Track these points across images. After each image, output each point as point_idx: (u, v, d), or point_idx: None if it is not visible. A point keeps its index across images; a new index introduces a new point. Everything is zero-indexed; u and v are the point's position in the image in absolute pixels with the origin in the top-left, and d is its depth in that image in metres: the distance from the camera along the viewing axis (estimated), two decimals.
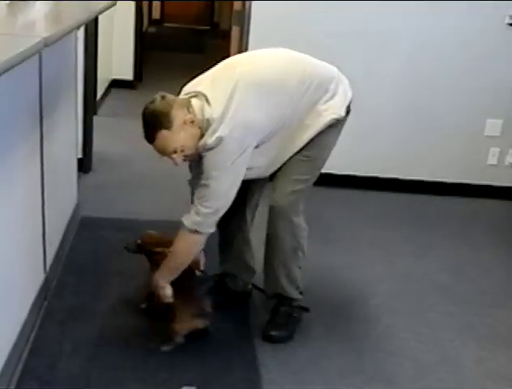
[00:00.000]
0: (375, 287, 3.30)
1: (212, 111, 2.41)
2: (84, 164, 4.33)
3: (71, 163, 3.52)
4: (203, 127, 2.42)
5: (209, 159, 2.42)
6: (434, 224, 4.20)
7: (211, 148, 2.40)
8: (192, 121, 2.42)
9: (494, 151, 4.60)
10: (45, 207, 2.76)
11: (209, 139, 2.39)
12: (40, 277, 2.79)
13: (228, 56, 2.96)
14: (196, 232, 2.47)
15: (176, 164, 2.48)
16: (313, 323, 2.91)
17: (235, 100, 2.40)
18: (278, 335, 2.75)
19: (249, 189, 2.73)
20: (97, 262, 3.26)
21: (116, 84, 6.70)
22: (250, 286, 2.99)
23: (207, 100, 2.44)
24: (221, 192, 2.46)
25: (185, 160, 2.52)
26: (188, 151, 2.45)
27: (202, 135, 2.43)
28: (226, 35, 6.55)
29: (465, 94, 4.43)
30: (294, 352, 2.70)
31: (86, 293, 2.97)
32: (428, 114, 4.49)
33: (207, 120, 2.42)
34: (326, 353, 2.73)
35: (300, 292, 2.81)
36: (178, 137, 2.41)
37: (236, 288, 2.95)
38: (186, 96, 2.51)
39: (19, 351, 2.43)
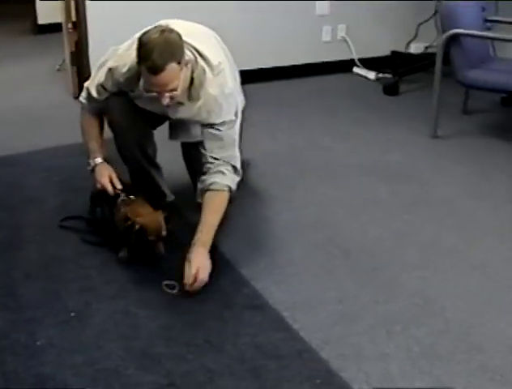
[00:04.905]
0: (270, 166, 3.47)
1: (208, 61, 2.41)
2: None
3: None
4: (194, 73, 2.39)
5: (213, 106, 2.42)
6: (302, 103, 4.43)
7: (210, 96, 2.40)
8: (188, 64, 2.34)
9: (327, 28, 4.89)
10: None
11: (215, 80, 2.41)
12: None
13: None
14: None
15: (163, 102, 2.32)
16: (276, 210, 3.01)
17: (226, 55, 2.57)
18: None
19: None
20: None
21: None
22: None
23: (196, 50, 2.40)
24: (237, 138, 2.53)
25: (168, 106, 2.39)
26: (179, 92, 2.33)
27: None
28: None
29: None
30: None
31: (4, 226, 2.79)
32: (263, 5, 4.62)
33: (202, 68, 2.40)
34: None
35: None
36: (180, 74, 2.29)
37: None
38: None
39: None
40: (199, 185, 2.51)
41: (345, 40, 4.95)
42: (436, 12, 4.84)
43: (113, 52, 2.54)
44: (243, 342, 2.07)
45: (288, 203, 2.99)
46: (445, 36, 3.64)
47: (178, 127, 2.70)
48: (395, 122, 4.03)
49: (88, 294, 2.32)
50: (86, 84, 2.63)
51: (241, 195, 2.98)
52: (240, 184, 2.99)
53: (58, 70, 5.03)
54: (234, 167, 2.51)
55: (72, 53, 4.31)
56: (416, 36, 4.98)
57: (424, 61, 4.79)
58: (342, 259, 2.55)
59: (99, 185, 2.59)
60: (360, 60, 4.99)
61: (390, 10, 4.94)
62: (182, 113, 2.51)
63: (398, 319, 2.19)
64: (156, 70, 2.22)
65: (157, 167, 2.79)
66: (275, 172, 3.33)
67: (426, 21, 4.89)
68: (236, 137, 2.55)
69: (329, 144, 3.70)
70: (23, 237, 2.70)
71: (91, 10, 4.14)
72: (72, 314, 2.20)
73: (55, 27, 5.85)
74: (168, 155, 2.86)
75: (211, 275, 2.31)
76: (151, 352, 2.03)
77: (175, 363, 1.98)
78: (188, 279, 2.26)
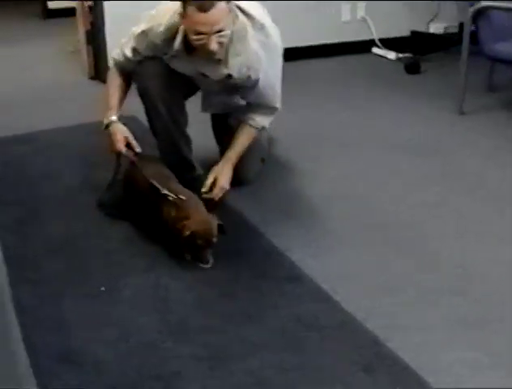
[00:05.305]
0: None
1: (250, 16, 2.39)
2: None
3: None
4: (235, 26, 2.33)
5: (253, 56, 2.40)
6: (324, 82, 4.32)
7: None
8: (231, 11, 2.29)
9: (346, 7, 4.79)
10: None
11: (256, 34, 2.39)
12: None
13: None
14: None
15: (212, 47, 2.24)
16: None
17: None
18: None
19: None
20: (12, 174, 2.97)
21: None
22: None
23: (238, 7, 2.36)
24: (279, 87, 2.58)
25: (212, 54, 2.30)
26: (225, 39, 2.27)
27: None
28: None
29: None
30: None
31: (24, 202, 2.69)
32: None
33: (243, 23, 2.36)
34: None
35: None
36: (227, 17, 2.25)
37: None
38: None
39: None
40: (241, 114, 2.61)
41: (365, 20, 4.84)
42: None
43: (144, 17, 2.47)
44: (283, 313, 1.97)
45: (317, 177, 2.91)
46: (473, 8, 3.54)
47: (211, 98, 2.63)
48: (419, 99, 3.93)
49: (116, 268, 2.24)
50: (121, 43, 2.56)
51: (269, 169, 2.94)
52: (267, 158, 2.94)
53: (72, 51, 4.93)
54: (273, 113, 2.64)
55: (87, 32, 4.21)
56: (436, 14, 4.86)
57: (444, 41, 4.70)
58: (378, 231, 2.45)
59: (112, 149, 2.48)
60: (379, 40, 4.88)
61: None
62: (221, 70, 2.41)
63: (442, 289, 2.10)
64: (206, 6, 2.16)
65: (187, 138, 2.68)
66: (301, 147, 3.24)
67: None
68: (279, 89, 2.60)
69: (353, 120, 3.61)
70: (43, 213, 2.61)
71: None
72: (102, 289, 2.11)
73: (64, 12, 5.83)
74: (195, 128, 2.76)
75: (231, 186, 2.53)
76: (187, 325, 1.94)
77: (213, 335, 1.89)
78: (205, 186, 2.47)
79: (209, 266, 2.19)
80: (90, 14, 4.21)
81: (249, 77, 2.42)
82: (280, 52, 2.52)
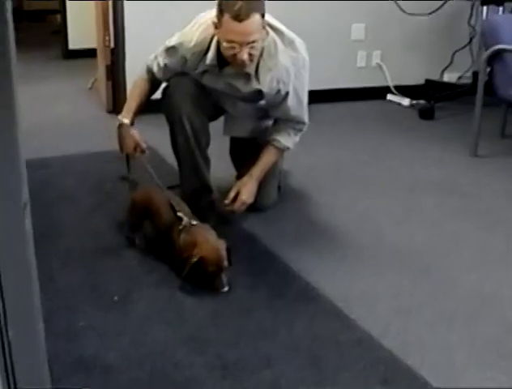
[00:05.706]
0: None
1: (280, 33, 2.45)
2: None
3: None
4: (264, 42, 2.38)
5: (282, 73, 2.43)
6: (339, 125, 4.36)
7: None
8: (264, 27, 2.34)
9: (362, 54, 4.86)
10: None
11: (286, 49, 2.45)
12: None
13: None
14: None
15: (244, 59, 2.29)
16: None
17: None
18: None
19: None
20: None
21: None
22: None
23: (269, 24, 2.40)
24: (306, 101, 2.60)
25: (242, 65, 2.34)
26: (256, 51, 2.32)
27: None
28: None
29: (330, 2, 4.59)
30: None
31: (40, 219, 2.66)
32: (298, 29, 4.56)
33: (273, 39, 2.41)
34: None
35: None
36: (261, 31, 2.30)
37: None
38: None
39: None
40: (266, 135, 2.67)
41: (380, 67, 4.90)
42: (471, 40, 4.83)
43: (176, 34, 2.54)
44: (298, 330, 1.95)
45: (333, 208, 2.90)
46: (488, 52, 3.59)
47: (234, 121, 2.67)
48: (433, 143, 3.93)
49: (130, 282, 2.22)
50: (156, 52, 2.59)
51: (285, 199, 2.95)
52: (283, 191, 2.96)
53: (90, 88, 5.01)
54: (300, 129, 2.67)
55: (108, 67, 4.28)
56: (451, 63, 4.93)
57: (457, 90, 4.75)
58: (393, 260, 2.43)
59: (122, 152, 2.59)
60: (393, 87, 4.94)
61: (426, 38, 4.90)
62: (252, 85, 2.45)
63: (458, 315, 2.07)
64: (242, 16, 2.21)
65: (207, 160, 2.67)
66: (317, 182, 3.23)
67: (461, 49, 4.85)
68: (306, 103, 2.61)
69: (368, 160, 3.61)
70: (59, 230, 2.62)
71: (130, 29, 4.14)
72: (115, 298, 2.10)
73: (84, 53, 5.98)
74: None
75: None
76: (199, 337, 1.92)
77: (226, 348, 1.87)
78: (228, 198, 2.54)
79: (226, 289, 2.15)
80: (111, 55, 4.28)
81: (278, 91, 2.45)
82: (307, 66, 2.55)
